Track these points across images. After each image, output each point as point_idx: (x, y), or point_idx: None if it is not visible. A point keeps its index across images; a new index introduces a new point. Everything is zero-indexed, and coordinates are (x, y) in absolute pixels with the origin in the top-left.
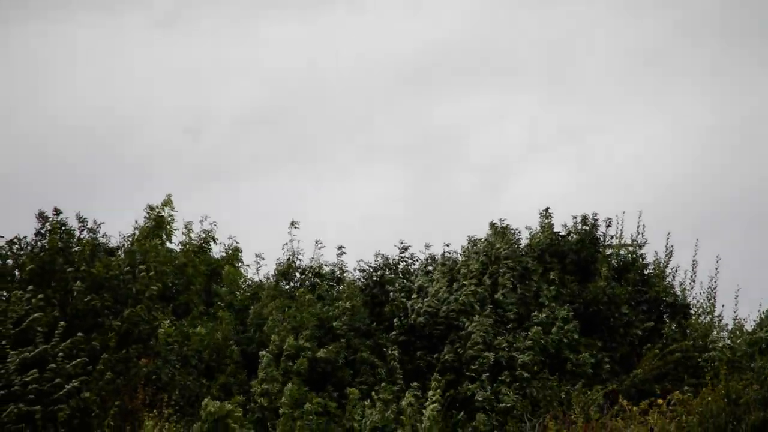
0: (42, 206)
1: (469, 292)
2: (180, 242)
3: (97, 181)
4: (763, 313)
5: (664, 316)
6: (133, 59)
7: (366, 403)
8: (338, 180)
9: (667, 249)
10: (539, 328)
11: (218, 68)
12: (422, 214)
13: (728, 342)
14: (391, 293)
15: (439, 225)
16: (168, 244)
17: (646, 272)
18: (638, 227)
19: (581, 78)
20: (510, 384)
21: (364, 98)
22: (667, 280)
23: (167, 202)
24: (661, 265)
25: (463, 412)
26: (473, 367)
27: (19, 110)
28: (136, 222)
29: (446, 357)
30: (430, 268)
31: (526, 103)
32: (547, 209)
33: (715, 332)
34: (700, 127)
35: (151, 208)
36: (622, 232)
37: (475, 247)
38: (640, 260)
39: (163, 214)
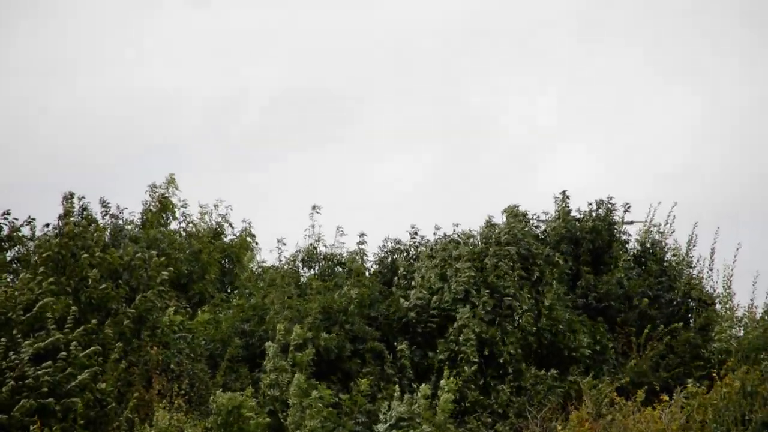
0: (72, 189)
1: (463, 279)
2: (189, 222)
3: (125, 163)
4: None
5: (690, 311)
6: (168, 39)
7: (395, 394)
8: (367, 161)
9: (690, 238)
10: (529, 314)
11: (249, 48)
12: (451, 196)
13: (740, 333)
14: (395, 281)
15: (466, 207)
16: (173, 226)
17: (666, 260)
18: (649, 211)
19: (613, 57)
20: (502, 378)
21: (397, 76)
22: (691, 270)
23: (170, 182)
24: (682, 254)
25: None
26: (463, 366)
27: (54, 91)
28: (140, 204)
29: (440, 356)
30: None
31: (557, 84)
32: (563, 192)
33: (723, 324)
34: (732, 111)
35: (153, 189)
36: (651, 221)
37: (479, 230)
38: (659, 248)
39: (167, 195)
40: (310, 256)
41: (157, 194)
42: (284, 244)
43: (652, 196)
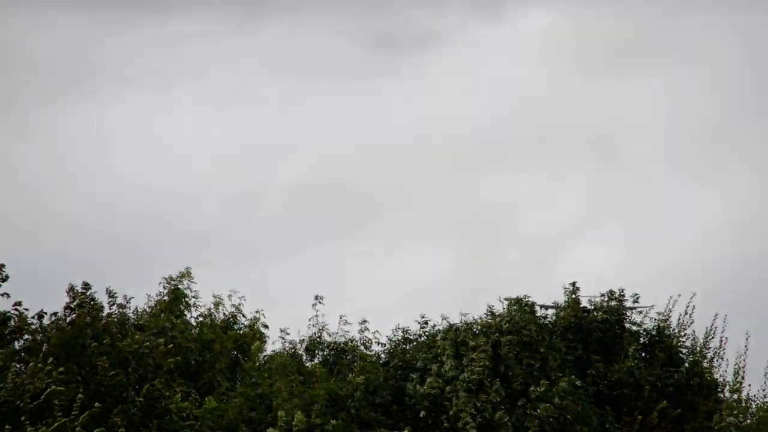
0: (89, 280)
1: (478, 369)
2: (201, 314)
3: (146, 255)
4: None
5: (696, 398)
6: (187, 135)
7: None
8: (386, 256)
9: (708, 330)
10: (547, 404)
11: (270, 144)
12: (469, 290)
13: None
14: (394, 371)
15: (485, 301)
16: (188, 317)
17: (673, 347)
18: (669, 301)
19: (631, 156)
20: None
21: (416, 173)
22: (705, 361)
23: (185, 274)
24: (699, 346)
25: None
26: None
27: (76, 185)
28: (153, 295)
29: None
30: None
31: (576, 180)
32: (573, 284)
33: (724, 412)
34: (750, 206)
35: (169, 281)
36: (670, 311)
37: (481, 319)
38: (668, 338)
39: (180, 286)
40: (313, 345)
41: (171, 285)
42: (287, 334)
43: (667, 287)
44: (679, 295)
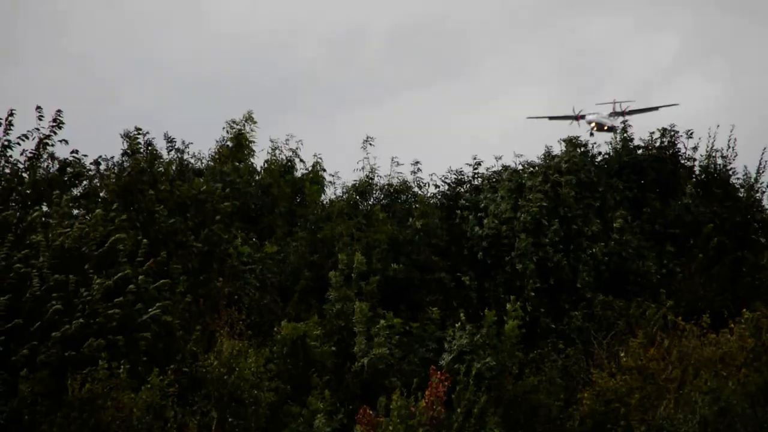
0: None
1: (534, 210)
2: (266, 161)
3: (237, 100)
4: None
5: (758, 233)
6: None
7: (457, 324)
8: (483, 101)
9: (760, 162)
10: (602, 244)
11: None
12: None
13: None
14: (458, 212)
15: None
16: (252, 163)
17: (729, 183)
18: (709, 136)
19: None
20: (574, 304)
21: (516, 18)
22: (756, 194)
23: (248, 118)
24: (751, 179)
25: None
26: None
27: (172, 25)
28: (216, 141)
29: (498, 280)
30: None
31: (676, 17)
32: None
33: None
34: None
35: (231, 125)
36: (713, 146)
37: (538, 160)
38: (722, 173)
39: (244, 131)
40: (364, 188)
41: (234, 130)
42: (339, 177)
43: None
44: (718, 126)
